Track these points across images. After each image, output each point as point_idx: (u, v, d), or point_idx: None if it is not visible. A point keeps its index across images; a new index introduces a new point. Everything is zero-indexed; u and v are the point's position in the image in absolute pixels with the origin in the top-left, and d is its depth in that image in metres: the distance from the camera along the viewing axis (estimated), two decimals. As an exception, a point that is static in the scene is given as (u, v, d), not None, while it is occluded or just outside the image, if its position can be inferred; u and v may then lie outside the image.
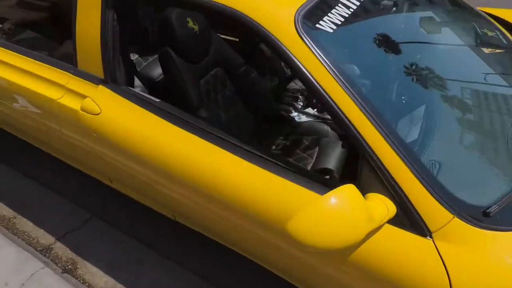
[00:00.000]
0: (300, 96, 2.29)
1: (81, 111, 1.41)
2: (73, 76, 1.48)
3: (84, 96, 1.43)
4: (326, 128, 2.10)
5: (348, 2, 1.21)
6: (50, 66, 1.53)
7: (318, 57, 1.04)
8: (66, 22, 1.55)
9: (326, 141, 1.99)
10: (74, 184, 2.18)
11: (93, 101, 1.39)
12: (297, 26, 1.07)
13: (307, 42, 1.05)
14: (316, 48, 1.04)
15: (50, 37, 1.67)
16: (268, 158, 1.19)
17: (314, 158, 1.93)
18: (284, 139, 2.16)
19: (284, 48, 1.05)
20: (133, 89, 1.42)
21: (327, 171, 1.48)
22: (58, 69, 1.51)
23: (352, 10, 1.17)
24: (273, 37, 1.06)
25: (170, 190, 1.44)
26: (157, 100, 1.39)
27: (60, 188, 2.17)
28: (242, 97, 2.03)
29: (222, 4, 1.12)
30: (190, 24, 1.62)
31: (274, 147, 2.12)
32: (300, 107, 2.24)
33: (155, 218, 1.80)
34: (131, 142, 1.34)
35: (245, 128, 2.04)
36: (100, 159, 1.53)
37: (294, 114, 2.21)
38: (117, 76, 1.40)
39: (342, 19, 1.15)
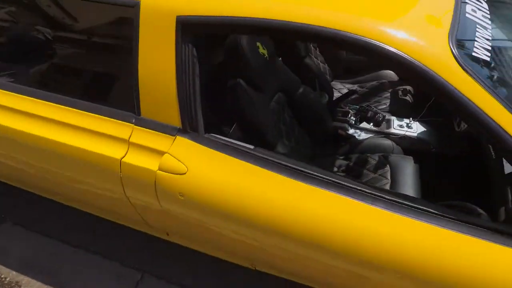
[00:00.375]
0: (350, 111, 2.14)
1: (160, 172, 1.15)
2: (136, 127, 1.20)
3: (157, 151, 1.16)
4: (390, 143, 1.95)
5: (482, 22, 1.05)
6: (101, 116, 1.23)
7: (494, 96, 0.87)
8: (110, 60, 1.28)
9: (395, 158, 1.84)
10: (110, 241, 1.87)
11: (174, 157, 1.14)
12: (458, 59, 0.89)
13: (477, 78, 0.87)
14: (488, 85, 0.87)
15: (83, 78, 1.36)
16: (415, 204, 1.00)
17: (390, 178, 1.79)
18: (344, 159, 2.00)
19: (453, 89, 0.87)
20: (218, 135, 1.19)
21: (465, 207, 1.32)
22: (114, 120, 1.22)
23: (490, 31, 1.02)
24: (436, 75, 0.88)
25: (265, 243, 1.22)
26: (251, 146, 1.17)
27: (97, 247, 1.86)
28: (299, 119, 1.84)
29: (364, 38, 0.91)
30: (261, 49, 1.39)
31: (335, 169, 1.95)
32: (353, 122, 2.10)
33: (220, 267, 1.59)
34: (230, 200, 1.09)
35: (304, 153, 1.85)
36: (176, 219, 1.28)
37: (351, 131, 2.06)
38: (198, 122, 1.15)
39: (490, 43, 1.00)
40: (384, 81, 2.42)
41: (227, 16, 1.04)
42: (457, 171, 1.75)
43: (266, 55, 1.41)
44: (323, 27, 0.95)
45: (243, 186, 1.10)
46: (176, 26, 1.08)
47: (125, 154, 1.19)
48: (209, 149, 1.14)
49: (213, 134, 1.18)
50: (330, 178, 1.06)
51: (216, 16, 1.05)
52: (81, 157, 1.25)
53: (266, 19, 1.00)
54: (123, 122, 1.22)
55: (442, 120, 1.90)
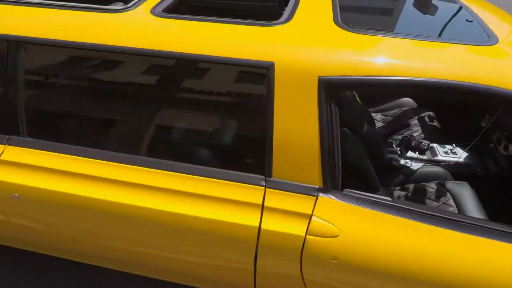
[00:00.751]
0: (393, 141, 2.22)
1: (311, 237, 1.08)
2: (269, 189, 1.14)
3: (300, 214, 1.10)
4: (442, 170, 2.06)
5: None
6: (224, 181, 1.15)
7: None
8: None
9: (453, 185, 1.95)
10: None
11: (324, 220, 1.09)
12: None
13: None
14: None
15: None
16: None
17: (455, 205, 1.89)
18: (401, 189, 2.06)
19: None
20: (353, 190, 1.16)
21: None
22: (239, 183, 1.14)
23: None
24: None
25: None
26: (388, 198, 1.16)
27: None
28: (363, 156, 1.87)
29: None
30: (357, 98, 1.41)
31: (395, 200, 2.01)
32: (399, 152, 2.18)
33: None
34: (386, 257, 1.07)
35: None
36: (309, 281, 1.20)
37: (402, 161, 2.14)
38: (338, 180, 1.12)
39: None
40: (405, 108, 2.59)
41: (372, 77, 1.06)
42: (508, 191, 1.91)
43: (360, 102, 1.44)
44: (469, 83, 1.03)
45: (396, 241, 1.09)
46: (318, 87, 1.07)
47: (261, 220, 1.13)
48: (354, 206, 1.12)
49: (349, 190, 1.17)
50: (481, 224, 1.10)
51: (361, 76, 1.06)
52: (202, 227, 1.15)
53: (413, 78, 1.04)
54: (251, 185, 1.15)
55: (481, 144, 2.08)
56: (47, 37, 1.25)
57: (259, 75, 1.11)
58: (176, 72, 1.20)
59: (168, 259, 1.28)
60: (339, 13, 1.29)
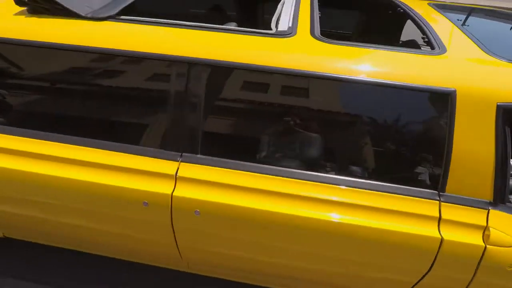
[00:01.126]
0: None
1: (491, 247, 1.20)
2: (444, 203, 1.24)
3: (476, 226, 1.22)
4: None
5: None
6: (399, 195, 1.25)
7: None
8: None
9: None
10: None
11: (500, 231, 1.21)
12: None
13: None
14: None
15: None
16: None
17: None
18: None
19: None
20: (514, 204, 1.28)
21: None
22: (412, 197, 1.24)
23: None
24: None
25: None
26: (544, 211, 1.29)
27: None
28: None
29: None
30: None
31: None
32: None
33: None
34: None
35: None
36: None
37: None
38: (506, 195, 1.25)
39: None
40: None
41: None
42: None
43: None
44: None
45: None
46: (496, 112, 1.21)
47: (440, 231, 1.24)
48: (521, 218, 1.25)
49: (510, 203, 1.29)
50: None
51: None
52: (380, 239, 1.25)
53: None
54: (426, 199, 1.26)
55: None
56: (226, 60, 1.34)
57: (440, 100, 1.24)
58: (358, 97, 1.32)
59: (339, 274, 1.36)
60: (481, 43, 1.44)
